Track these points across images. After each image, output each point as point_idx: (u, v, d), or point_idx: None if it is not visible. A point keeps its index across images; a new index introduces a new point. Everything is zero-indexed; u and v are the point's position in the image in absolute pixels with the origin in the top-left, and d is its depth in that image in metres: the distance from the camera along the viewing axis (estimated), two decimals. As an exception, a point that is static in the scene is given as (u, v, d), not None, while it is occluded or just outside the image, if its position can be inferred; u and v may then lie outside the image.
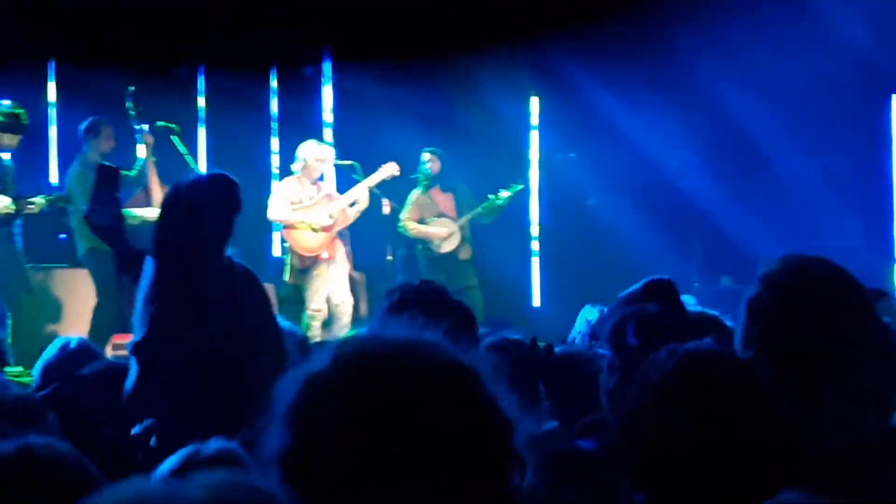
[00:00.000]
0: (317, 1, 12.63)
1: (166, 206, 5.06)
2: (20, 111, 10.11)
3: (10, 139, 10.00)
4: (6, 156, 10.08)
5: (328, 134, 13.73)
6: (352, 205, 11.17)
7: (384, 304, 3.97)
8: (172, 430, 4.41)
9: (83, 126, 10.52)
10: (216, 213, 4.95)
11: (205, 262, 4.92)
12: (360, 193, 11.19)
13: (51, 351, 5.07)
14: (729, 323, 4.25)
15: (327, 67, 14.03)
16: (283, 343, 4.96)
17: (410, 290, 3.95)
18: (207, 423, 3.82)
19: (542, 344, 4.17)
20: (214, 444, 2.77)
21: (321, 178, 11.30)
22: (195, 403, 4.61)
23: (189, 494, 1.32)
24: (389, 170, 11.36)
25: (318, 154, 11.02)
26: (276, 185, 11.54)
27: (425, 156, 12.07)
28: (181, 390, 4.70)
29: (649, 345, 3.09)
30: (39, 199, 10.14)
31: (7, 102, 10.15)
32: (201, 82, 13.85)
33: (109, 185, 5.51)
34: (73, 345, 5.06)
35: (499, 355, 3.83)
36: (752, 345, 3.08)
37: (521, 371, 3.66)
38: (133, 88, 10.77)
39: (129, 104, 10.71)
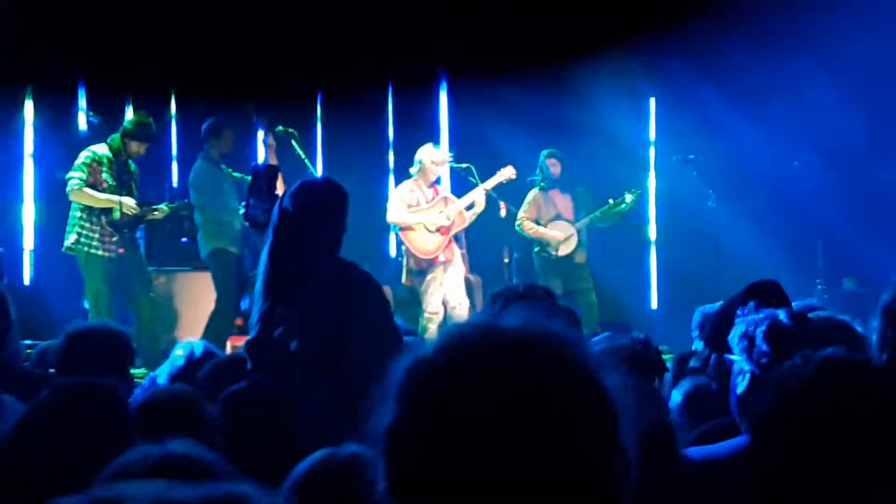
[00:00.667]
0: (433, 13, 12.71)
1: (278, 210, 5.15)
2: (149, 120, 10.31)
3: (139, 147, 10.20)
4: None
5: (444, 137, 13.77)
6: (469, 208, 11.19)
7: (488, 308, 3.97)
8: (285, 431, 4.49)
9: (205, 126, 10.72)
10: (324, 216, 5.04)
11: (315, 263, 4.98)
12: (477, 196, 11.20)
13: (178, 360, 5.13)
14: (858, 327, 4.17)
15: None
16: (402, 345, 4.99)
17: (515, 293, 3.95)
18: (322, 425, 3.85)
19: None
20: (348, 449, 2.79)
21: (438, 182, 11.35)
22: (310, 401, 4.65)
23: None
24: (507, 173, 11.36)
25: (434, 157, 11.06)
26: (394, 189, 11.60)
27: (548, 159, 12.03)
28: (297, 388, 4.75)
29: (782, 351, 3.06)
30: (163, 207, 10.34)
31: (138, 112, 10.33)
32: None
33: (271, 184, 5.62)
34: (198, 352, 5.13)
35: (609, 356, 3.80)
36: (888, 349, 3.02)
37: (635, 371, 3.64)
38: (253, 106, 10.98)
39: (251, 113, 10.90)
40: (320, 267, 5.01)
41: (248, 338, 5.13)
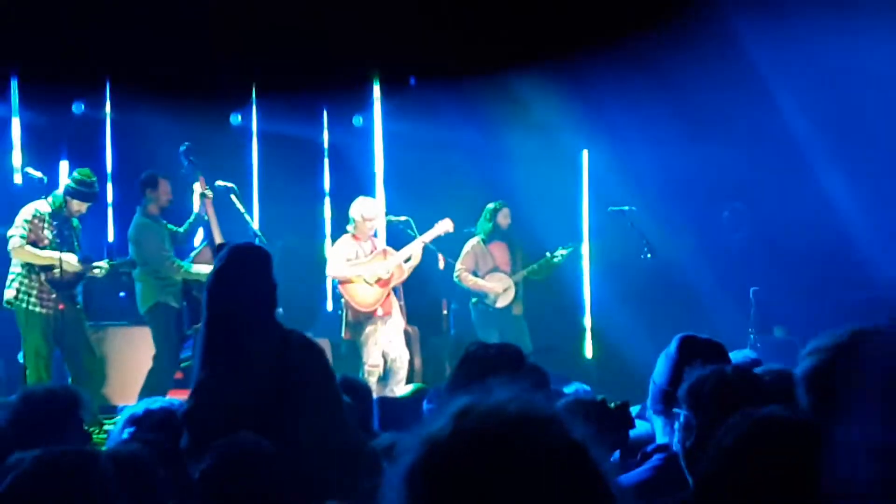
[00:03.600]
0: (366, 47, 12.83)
1: (211, 276, 5.19)
2: (92, 179, 10.30)
3: (80, 205, 10.20)
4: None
5: (379, 185, 13.87)
6: (406, 260, 11.28)
7: (463, 365, 4.04)
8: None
9: (141, 179, 10.67)
10: (251, 279, 5.09)
11: (250, 329, 5.01)
12: (415, 249, 11.30)
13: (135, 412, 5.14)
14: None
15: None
16: (343, 412, 5.04)
17: (490, 352, 4.02)
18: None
19: (612, 404, 4.24)
20: None
21: (375, 235, 11.42)
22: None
23: None
24: (444, 226, 11.46)
25: (366, 212, 11.12)
26: (332, 245, 11.65)
27: (502, 210, 12.13)
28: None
29: (726, 406, 3.17)
30: (104, 264, 10.32)
31: (83, 170, 10.31)
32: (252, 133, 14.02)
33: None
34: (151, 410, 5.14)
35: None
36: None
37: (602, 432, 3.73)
38: (188, 145, 10.93)
39: (183, 160, 10.87)
40: (256, 333, 5.03)
41: (183, 408, 5.10)
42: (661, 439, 3.87)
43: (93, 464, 3.10)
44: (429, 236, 11.40)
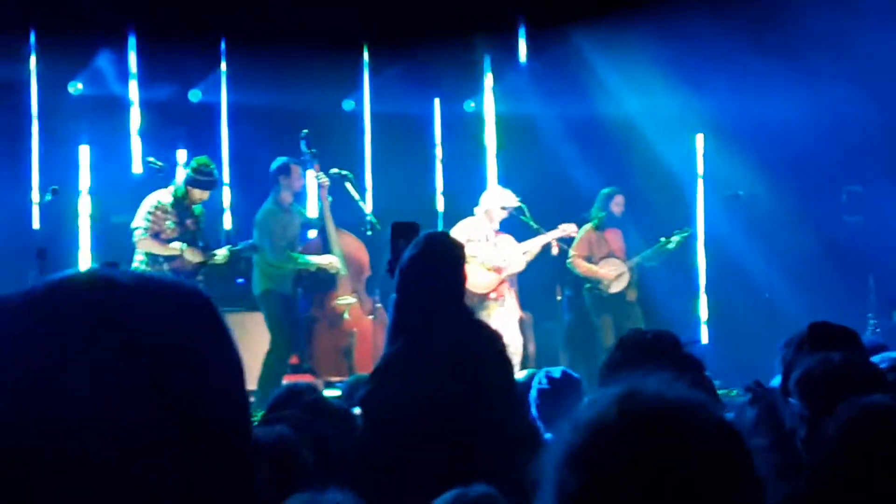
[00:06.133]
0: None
1: (405, 262, 5.23)
2: (212, 166, 10.46)
3: (202, 194, 10.37)
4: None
5: (492, 171, 13.87)
6: (524, 253, 11.32)
7: (618, 351, 3.99)
8: (403, 480, 4.57)
9: (274, 166, 10.76)
10: (442, 268, 5.14)
11: (441, 317, 5.06)
12: (534, 246, 11.34)
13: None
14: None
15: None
16: (522, 408, 5.08)
17: (647, 337, 3.98)
18: (440, 474, 3.90)
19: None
20: (478, 489, 2.87)
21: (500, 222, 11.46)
22: (426, 453, 4.73)
23: None
24: (567, 230, 11.52)
25: (502, 201, 11.20)
26: (458, 224, 11.67)
27: (616, 197, 12.11)
28: (411, 440, 4.81)
29: (837, 395, 3.12)
30: (224, 251, 10.48)
31: (200, 159, 10.44)
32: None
33: (409, 240, 5.70)
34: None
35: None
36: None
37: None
38: (307, 132, 11.04)
39: (303, 147, 10.98)
40: (445, 322, 5.09)
41: (360, 393, 5.16)
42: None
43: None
44: (552, 236, 11.43)
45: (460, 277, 5.21)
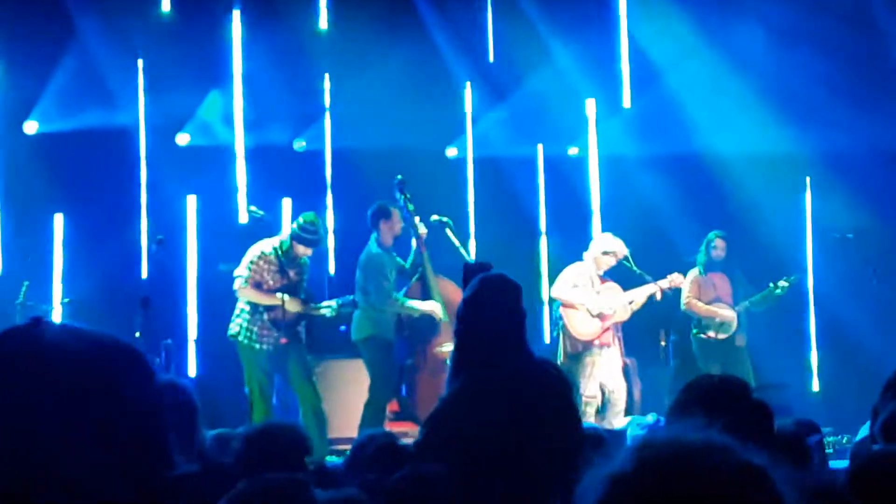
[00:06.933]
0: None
1: (461, 304, 5.24)
2: (318, 223, 10.53)
3: (306, 250, 10.46)
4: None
5: (597, 216, 13.76)
6: (630, 302, 11.22)
7: (683, 395, 3.91)
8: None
9: (371, 211, 10.80)
10: (504, 312, 5.13)
11: (499, 356, 5.05)
12: (641, 295, 11.27)
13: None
14: None
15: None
16: (581, 446, 4.99)
17: (713, 382, 3.89)
18: None
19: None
20: None
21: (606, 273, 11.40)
22: (485, 492, 4.68)
23: None
24: (675, 280, 11.44)
25: (612, 247, 11.15)
26: (565, 270, 11.60)
27: (717, 241, 11.97)
28: (472, 478, 4.76)
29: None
30: (334, 305, 10.53)
31: (307, 215, 10.49)
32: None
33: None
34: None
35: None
36: None
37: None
38: (400, 177, 11.04)
39: (398, 195, 10.97)
40: (504, 361, 5.07)
41: (416, 438, 5.17)
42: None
43: (305, 492, 3.17)
44: (660, 286, 11.32)
45: (517, 317, 5.17)
